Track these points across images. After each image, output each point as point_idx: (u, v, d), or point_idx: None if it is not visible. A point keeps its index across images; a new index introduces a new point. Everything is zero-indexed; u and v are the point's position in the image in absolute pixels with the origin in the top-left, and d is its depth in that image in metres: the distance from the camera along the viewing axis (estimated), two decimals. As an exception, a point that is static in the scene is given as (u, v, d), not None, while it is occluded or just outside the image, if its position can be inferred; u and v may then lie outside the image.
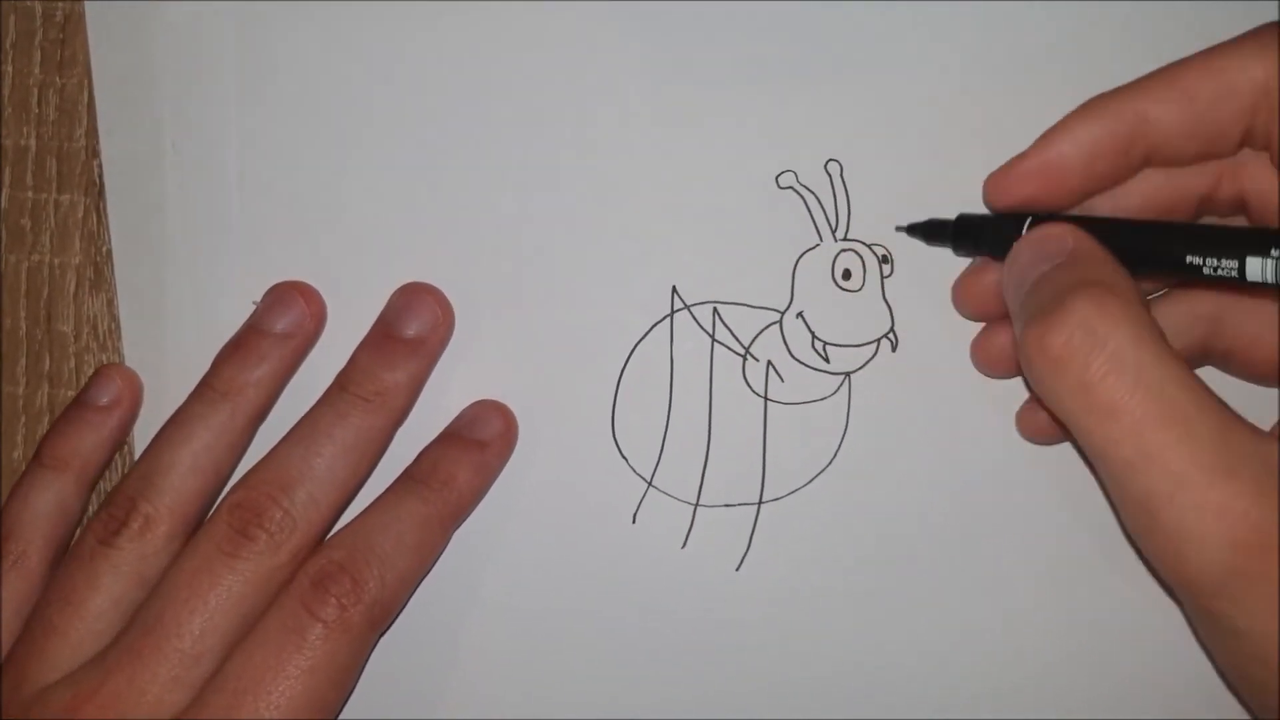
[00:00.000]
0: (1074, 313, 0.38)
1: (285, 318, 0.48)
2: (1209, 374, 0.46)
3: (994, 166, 0.46)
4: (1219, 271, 0.38)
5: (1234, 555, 0.36)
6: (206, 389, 0.47)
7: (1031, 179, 0.43)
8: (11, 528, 0.46)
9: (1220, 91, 0.40)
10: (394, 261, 0.49)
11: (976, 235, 0.45)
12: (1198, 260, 0.39)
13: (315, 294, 0.49)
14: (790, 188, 0.48)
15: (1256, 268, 0.37)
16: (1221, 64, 0.40)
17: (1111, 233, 0.41)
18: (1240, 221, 0.44)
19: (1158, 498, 0.37)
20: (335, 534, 0.45)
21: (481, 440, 0.47)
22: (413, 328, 0.47)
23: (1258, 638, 0.37)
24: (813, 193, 0.48)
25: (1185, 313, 0.45)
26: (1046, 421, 0.46)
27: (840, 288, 0.48)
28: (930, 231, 0.47)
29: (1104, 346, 0.37)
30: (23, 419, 0.51)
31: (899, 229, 0.47)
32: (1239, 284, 0.38)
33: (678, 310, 0.48)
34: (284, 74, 0.49)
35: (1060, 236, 0.41)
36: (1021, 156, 0.44)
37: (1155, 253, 0.41)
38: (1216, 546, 0.36)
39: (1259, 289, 0.39)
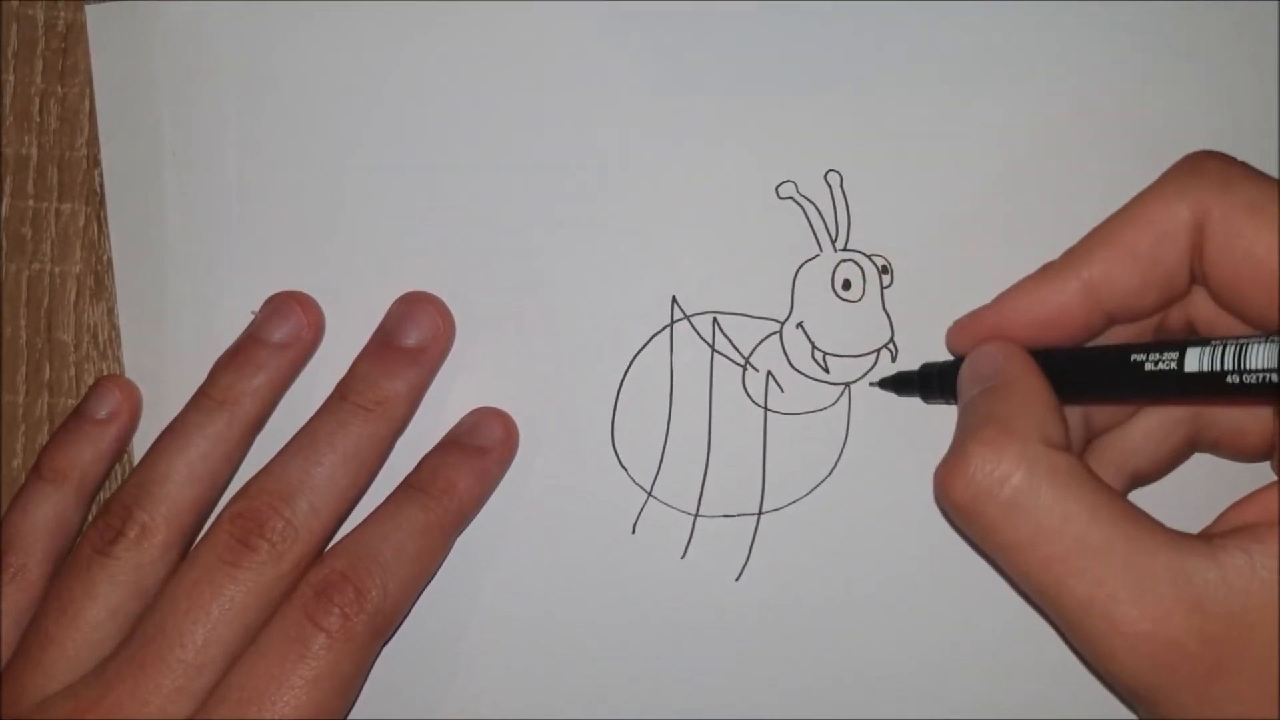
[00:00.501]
0: (968, 460, 0.40)
1: (283, 327, 0.48)
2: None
3: (994, 178, 0.48)
4: (1159, 365, 0.39)
5: (1150, 671, 0.37)
6: (203, 398, 0.47)
7: (988, 340, 0.44)
8: (11, 540, 0.47)
9: (1158, 240, 0.41)
10: (394, 270, 0.49)
11: (940, 382, 0.46)
12: (1141, 357, 0.40)
13: (313, 304, 0.49)
14: (790, 198, 0.48)
15: (1194, 358, 0.38)
16: (1151, 212, 0.41)
17: (1062, 358, 0.43)
18: None
19: (1072, 622, 0.39)
20: (337, 543, 0.45)
21: (482, 447, 0.48)
22: (413, 337, 0.48)
23: None
24: (812, 203, 0.48)
25: (1163, 419, 0.46)
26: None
27: (840, 298, 0.48)
28: (900, 384, 0.48)
29: (997, 494, 0.39)
30: (22, 428, 0.52)
31: (872, 385, 0.48)
32: (1194, 394, 0.39)
33: (677, 320, 0.49)
34: (284, 82, 0.49)
35: (991, 355, 0.43)
36: (979, 314, 0.45)
37: (1100, 362, 0.42)
38: (1132, 664, 0.38)
39: (1204, 399, 0.40)
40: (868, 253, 0.48)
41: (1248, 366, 0.37)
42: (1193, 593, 0.36)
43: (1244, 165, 0.41)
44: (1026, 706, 0.48)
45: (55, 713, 0.43)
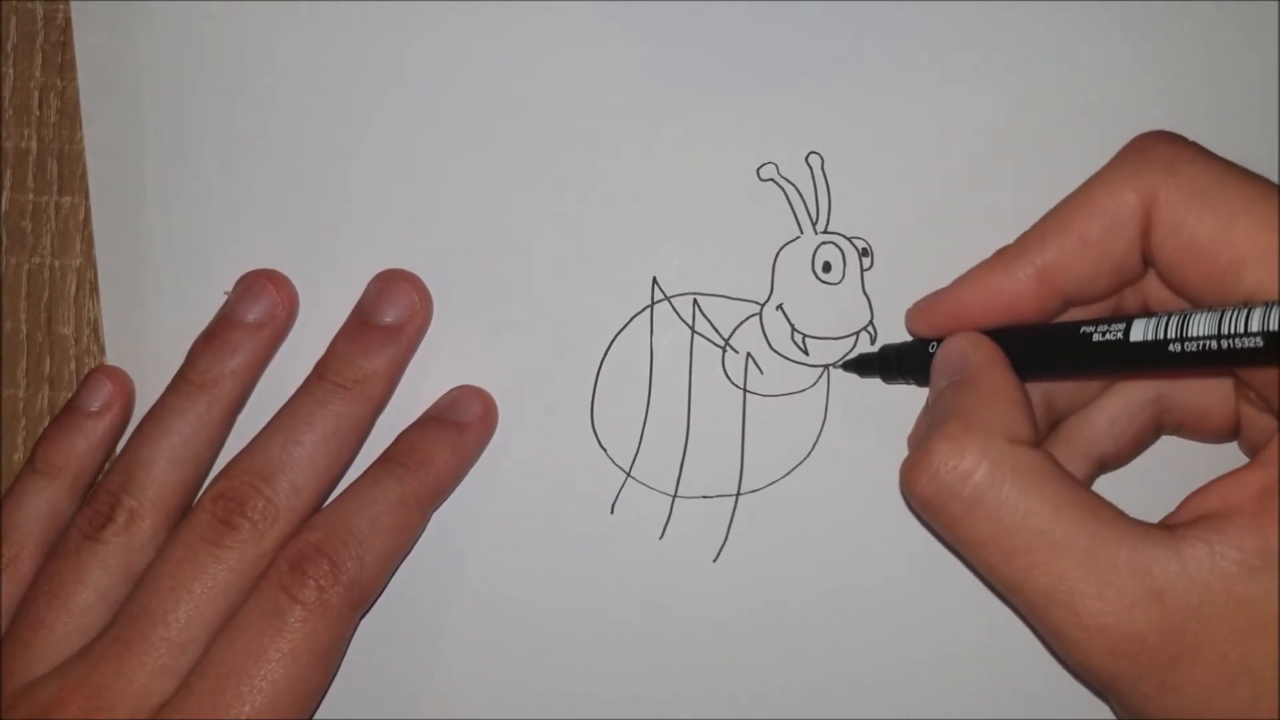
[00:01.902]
0: (931, 457, 0.40)
1: (257, 307, 0.49)
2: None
3: (974, 162, 0.48)
4: (1106, 336, 0.40)
5: (1111, 661, 0.38)
6: (182, 382, 0.48)
7: (946, 323, 0.45)
8: (5, 532, 0.48)
9: (1108, 227, 0.42)
10: (375, 251, 0.50)
11: (899, 363, 0.47)
12: (1090, 329, 0.41)
13: (286, 281, 0.50)
14: (771, 180, 0.49)
15: (1139, 329, 0.39)
16: (1100, 199, 0.42)
17: (1017, 335, 0.44)
18: None
19: (1036, 613, 0.40)
20: (313, 517, 0.46)
21: (460, 422, 0.48)
22: (390, 314, 0.48)
23: None
24: (793, 185, 0.49)
25: (1127, 402, 0.46)
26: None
27: (820, 280, 0.49)
28: (861, 366, 0.49)
29: (960, 491, 0.40)
30: (23, 421, 0.53)
31: (834, 367, 0.49)
32: (1140, 364, 0.40)
33: (658, 301, 0.49)
34: (267, 66, 0.50)
35: (960, 348, 0.44)
36: (937, 298, 0.46)
37: (1053, 336, 0.43)
38: (1094, 655, 0.38)
39: (1149, 369, 0.41)
40: (848, 235, 0.49)
41: (1189, 335, 0.38)
42: (1153, 584, 0.37)
43: (1193, 146, 0.42)
44: (1006, 689, 0.49)
45: (42, 694, 0.43)
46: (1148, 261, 0.42)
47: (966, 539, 0.40)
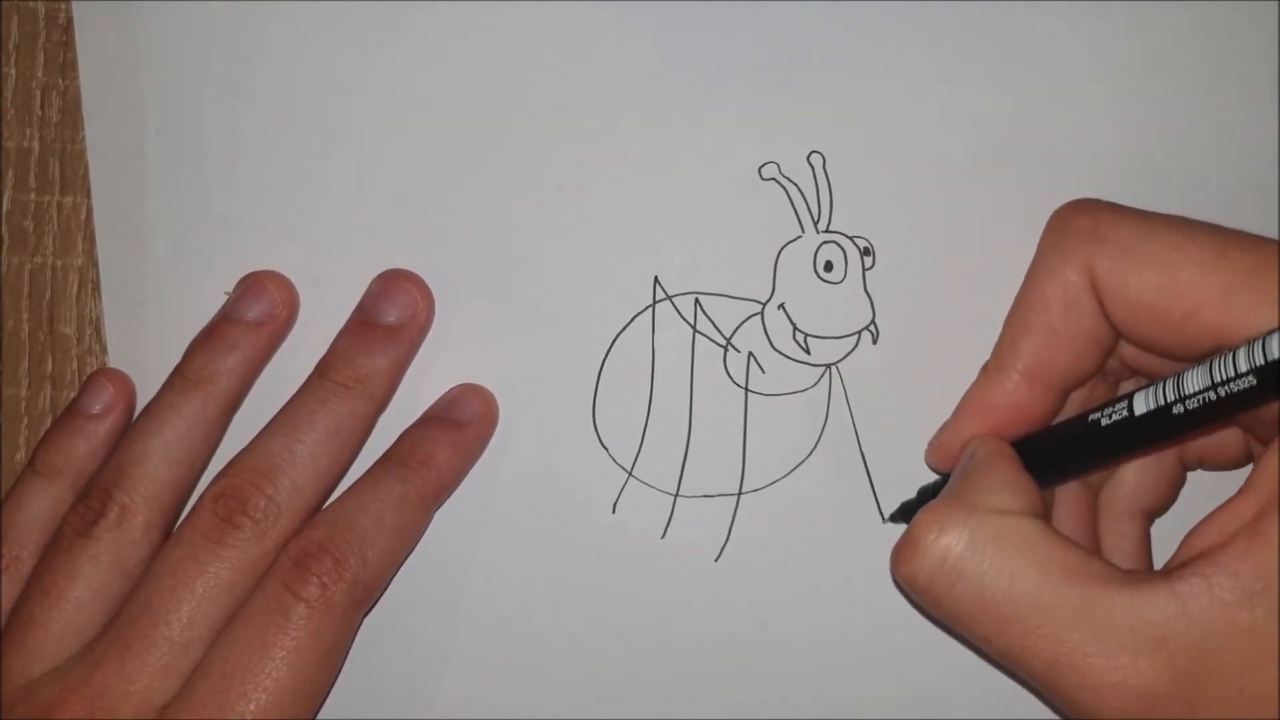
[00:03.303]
0: (913, 533, 0.41)
1: (257, 306, 0.49)
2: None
3: (976, 161, 0.49)
4: (1114, 416, 0.40)
5: (1133, 717, 0.38)
6: (179, 378, 0.48)
7: (959, 452, 0.46)
8: (6, 533, 0.48)
9: (1066, 311, 0.43)
10: (377, 250, 0.50)
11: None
12: (1096, 415, 0.41)
13: (287, 282, 0.50)
14: (773, 179, 0.49)
15: (1141, 400, 0.40)
16: (1047, 288, 0.43)
17: (1032, 444, 0.44)
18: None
19: (1043, 682, 0.39)
20: (315, 515, 0.46)
21: (461, 421, 0.49)
22: (392, 314, 0.49)
23: None
24: (795, 184, 0.49)
25: (1148, 461, 0.47)
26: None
27: (822, 279, 0.49)
28: (906, 513, 0.49)
29: (942, 564, 0.40)
30: (25, 421, 0.53)
31: (886, 521, 0.50)
32: (1151, 434, 0.40)
33: (659, 301, 0.50)
34: (269, 65, 0.50)
35: (970, 451, 0.45)
36: (944, 432, 0.47)
37: (1065, 435, 0.43)
38: (1106, 714, 0.38)
39: (1161, 441, 0.41)
40: (850, 234, 0.49)
41: (1186, 392, 0.38)
42: (1154, 632, 0.37)
43: (1111, 207, 0.43)
44: (1007, 689, 0.49)
45: (43, 695, 0.44)
46: (1114, 329, 0.43)
47: (957, 614, 0.40)
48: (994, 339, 0.47)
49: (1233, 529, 0.37)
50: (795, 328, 0.49)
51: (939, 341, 0.49)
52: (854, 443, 0.49)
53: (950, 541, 0.40)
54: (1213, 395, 0.37)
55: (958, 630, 0.41)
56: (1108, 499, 0.47)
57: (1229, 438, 0.46)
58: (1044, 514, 0.41)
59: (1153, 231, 0.41)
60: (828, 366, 0.49)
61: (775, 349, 0.50)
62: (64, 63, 0.52)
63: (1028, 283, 0.44)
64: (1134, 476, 0.47)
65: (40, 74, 0.52)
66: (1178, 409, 0.38)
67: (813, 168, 0.49)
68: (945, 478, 0.47)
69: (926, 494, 0.48)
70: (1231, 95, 0.49)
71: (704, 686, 0.50)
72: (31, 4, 0.52)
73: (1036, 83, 0.49)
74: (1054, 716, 0.48)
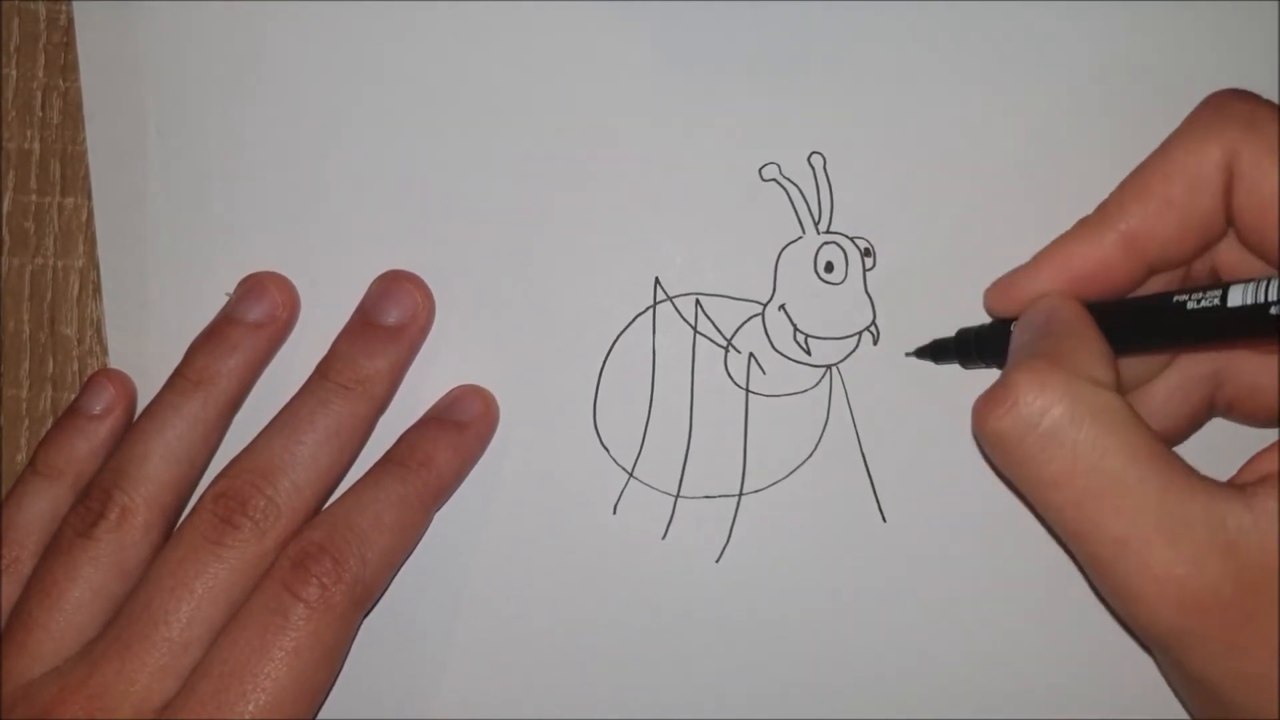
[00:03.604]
0: (1011, 390, 0.40)
1: (258, 308, 0.49)
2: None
3: (977, 162, 0.49)
4: (1202, 303, 0.40)
5: (1180, 616, 0.38)
6: (179, 379, 0.48)
7: (1028, 300, 0.45)
8: (6, 533, 0.48)
9: (1191, 186, 0.42)
10: (377, 251, 0.50)
11: (978, 346, 0.47)
12: (1184, 298, 0.41)
13: (288, 284, 0.50)
14: (773, 180, 0.49)
15: (1238, 293, 0.39)
16: (1182, 158, 0.42)
17: (1105, 310, 0.43)
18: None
19: (1103, 562, 0.39)
20: (315, 516, 0.46)
21: (461, 422, 0.49)
22: (392, 315, 0.49)
23: (1209, 685, 0.39)
24: (796, 185, 0.49)
25: (1186, 377, 0.46)
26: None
27: (822, 280, 0.49)
28: (937, 351, 0.49)
29: (1037, 424, 0.39)
30: (26, 422, 0.53)
31: (908, 355, 0.49)
32: (1237, 331, 0.40)
33: (660, 302, 0.50)
34: (269, 65, 0.51)
35: (1046, 304, 0.44)
36: (1017, 274, 0.45)
37: (1144, 309, 0.43)
38: (1162, 608, 0.38)
39: (1246, 337, 0.41)
40: (850, 235, 0.49)
41: None
42: (1227, 537, 0.37)
43: (1270, 104, 0.42)
44: (1008, 690, 0.49)
45: (42, 695, 0.44)
46: (1229, 221, 0.42)
47: (1038, 478, 0.40)
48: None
49: None
50: (796, 328, 0.49)
51: (940, 342, 0.49)
52: (855, 443, 0.49)
53: (1049, 404, 0.39)
54: None
55: (1030, 494, 0.40)
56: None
57: (1267, 385, 0.45)
58: None
59: None
60: (828, 367, 0.50)
61: (776, 350, 0.50)
62: (65, 64, 0.52)
63: (1162, 149, 0.43)
64: (1163, 396, 0.46)
65: (41, 75, 0.52)
66: (1276, 309, 0.38)
67: (813, 168, 0.49)
68: (994, 325, 0.47)
69: (969, 336, 0.48)
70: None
71: (705, 687, 0.50)
72: (32, 5, 0.52)
73: (1037, 83, 0.49)
74: (1056, 717, 0.48)
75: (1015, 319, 0.45)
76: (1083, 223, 0.44)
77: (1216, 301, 0.40)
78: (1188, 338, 0.42)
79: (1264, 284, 0.39)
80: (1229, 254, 0.44)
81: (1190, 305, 0.40)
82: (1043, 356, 0.40)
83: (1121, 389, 0.45)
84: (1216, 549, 0.37)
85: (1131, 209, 0.43)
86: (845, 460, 0.49)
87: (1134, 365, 0.46)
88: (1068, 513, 0.39)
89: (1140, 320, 0.43)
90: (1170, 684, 0.44)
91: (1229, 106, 0.42)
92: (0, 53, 0.52)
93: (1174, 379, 0.46)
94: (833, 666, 0.50)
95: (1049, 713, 0.49)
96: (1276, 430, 0.47)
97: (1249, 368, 0.46)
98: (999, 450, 0.41)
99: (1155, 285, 0.45)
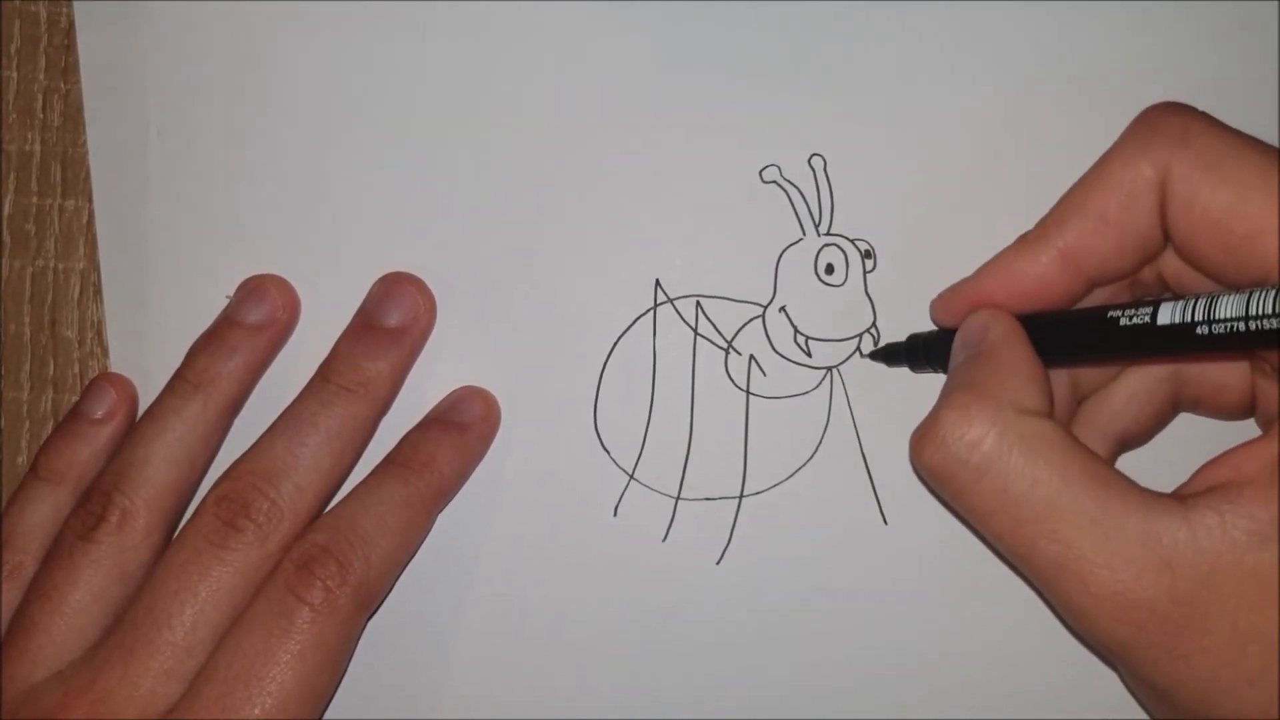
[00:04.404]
0: (940, 425, 0.41)
1: (258, 310, 0.49)
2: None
3: (976, 163, 0.49)
4: (1134, 320, 0.40)
5: (1121, 629, 0.39)
6: (179, 381, 0.48)
7: (970, 311, 0.46)
8: (8, 539, 0.48)
9: (1126, 202, 0.42)
10: (378, 253, 0.50)
11: (925, 351, 0.48)
12: (1117, 313, 0.41)
13: (288, 286, 0.50)
14: (774, 182, 0.50)
15: (1167, 312, 0.40)
16: (1116, 175, 0.43)
17: (1043, 321, 0.44)
18: None
19: (1046, 582, 0.40)
20: (318, 519, 0.46)
21: (462, 423, 0.49)
22: (394, 317, 0.49)
23: (1159, 690, 0.40)
24: (796, 187, 0.50)
25: (1145, 379, 0.47)
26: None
27: (823, 282, 0.49)
28: (888, 355, 0.49)
29: (967, 459, 0.41)
30: (27, 424, 0.53)
31: (863, 356, 0.50)
32: (1168, 347, 0.40)
33: (661, 304, 0.50)
34: (271, 67, 0.51)
35: (979, 323, 0.45)
36: (961, 286, 0.46)
37: (1080, 322, 0.43)
38: (1104, 623, 0.39)
39: (1175, 354, 0.42)
40: (851, 237, 0.50)
41: (1216, 317, 0.38)
42: (1163, 553, 0.38)
43: (1204, 117, 0.42)
44: (1010, 690, 0.49)
45: (45, 699, 0.44)
46: (1166, 236, 0.43)
47: (974, 508, 0.41)
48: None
49: (1252, 469, 0.38)
50: (796, 330, 0.50)
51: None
52: (855, 445, 0.50)
53: (977, 437, 0.40)
54: (1242, 326, 0.38)
55: (971, 521, 0.42)
56: (1090, 411, 0.48)
57: (1232, 384, 0.46)
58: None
59: (1240, 150, 0.41)
60: (829, 369, 0.50)
61: (776, 352, 0.50)
62: (66, 66, 0.52)
63: (1097, 166, 0.44)
64: (1124, 397, 0.47)
65: (42, 77, 0.52)
66: (1201, 330, 0.38)
67: (814, 170, 0.50)
68: (940, 332, 0.47)
69: (917, 342, 0.48)
70: (1231, 95, 0.49)
71: (706, 689, 0.50)
72: (33, 7, 0.52)
73: (1037, 84, 0.49)
74: (1060, 717, 0.49)
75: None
76: (1023, 238, 0.45)
77: (1147, 319, 0.40)
78: (1123, 351, 0.43)
79: (1192, 303, 0.39)
80: (1175, 265, 0.44)
81: (1123, 321, 0.41)
82: (969, 388, 0.42)
83: (1073, 399, 0.47)
84: (1151, 565, 0.38)
85: (1069, 226, 0.44)
86: (846, 462, 0.50)
87: (1092, 369, 0.47)
88: (1006, 539, 0.41)
89: (1075, 334, 0.43)
90: (1127, 687, 0.44)
91: (1161, 122, 0.43)
92: (1, 55, 0.52)
93: (1134, 380, 0.47)
94: (834, 668, 0.50)
95: (1049, 713, 0.49)
96: (1254, 424, 0.47)
97: (1209, 368, 0.46)
98: (935, 483, 0.42)
99: (1100, 295, 0.45)
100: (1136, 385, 0.47)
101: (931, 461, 0.41)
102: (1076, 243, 0.43)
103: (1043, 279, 0.44)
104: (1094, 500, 0.39)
